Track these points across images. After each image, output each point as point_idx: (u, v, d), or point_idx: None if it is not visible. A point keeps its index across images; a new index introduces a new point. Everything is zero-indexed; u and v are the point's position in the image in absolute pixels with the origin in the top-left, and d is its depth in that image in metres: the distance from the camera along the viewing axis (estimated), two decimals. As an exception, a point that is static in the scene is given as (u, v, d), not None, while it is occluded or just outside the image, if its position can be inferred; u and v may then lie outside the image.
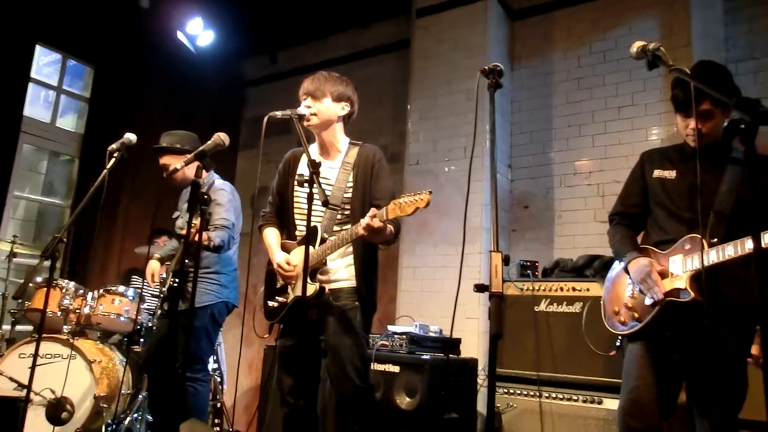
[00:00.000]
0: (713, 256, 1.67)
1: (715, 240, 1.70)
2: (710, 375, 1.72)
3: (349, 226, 2.07)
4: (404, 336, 2.98)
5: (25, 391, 2.65)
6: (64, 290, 3.22)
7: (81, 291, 3.31)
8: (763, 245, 1.55)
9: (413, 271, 3.95)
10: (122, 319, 3.29)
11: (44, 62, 4.61)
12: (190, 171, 2.73)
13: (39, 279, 3.29)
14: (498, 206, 1.45)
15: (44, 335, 2.81)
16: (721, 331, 1.71)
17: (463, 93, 3.97)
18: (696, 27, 3.42)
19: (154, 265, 2.80)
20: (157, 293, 3.63)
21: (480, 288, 1.43)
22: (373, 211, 1.87)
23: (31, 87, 4.26)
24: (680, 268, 1.74)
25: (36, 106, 4.56)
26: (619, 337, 1.90)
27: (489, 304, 3.41)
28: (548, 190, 3.87)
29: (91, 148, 4.48)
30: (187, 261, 2.35)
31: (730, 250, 1.63)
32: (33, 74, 4.33)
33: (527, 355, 2.84)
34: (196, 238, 2.28)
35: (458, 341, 3.19)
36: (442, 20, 4.17)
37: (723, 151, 1.83)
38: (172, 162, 2.62)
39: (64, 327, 3.19)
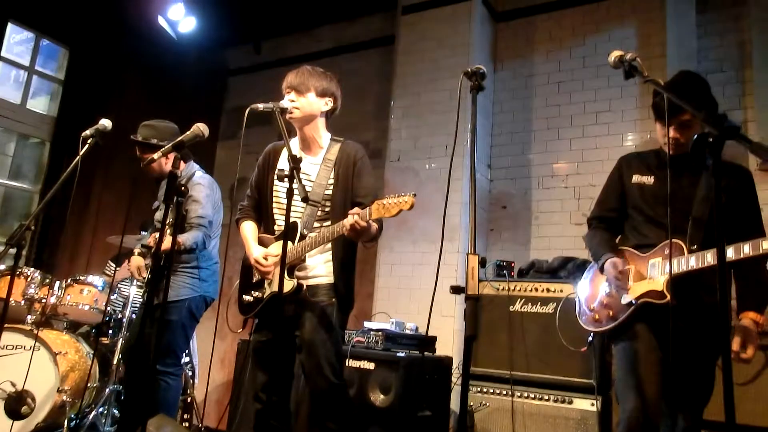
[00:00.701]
0: (692, 262, 1.69)
1: (695, 246, 1.73)
2: (687, 375, 1.77)
3: (329, 222, 2.06)
4: (380, 333, 2.99)
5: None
6: (29, 279, 3.12)
7: (47, 280, 3.20)
8: (733, 257, 1.60)
9: (390, 267, 3.95)
10: (91, 309, 3.20)
11: (15, 40, 4.44)
12: (169, 162, 2.72)
13: (2, 267, 3.16)
14: (476, 205, 1.46)
15: (6, 325, 2.71)
16: (696, 335, 1.76)
17: (446, 92, 3.98)
18: (671, 38, 3.52)
19: (138, 261, 2.73)
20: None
21: (456, 290, 1.44)
22: (356, 210, 1.86)
23: (0, 66, 4.10)
24: (659, 271, 1.77)
25: (5, 86, 4.39)
26: (591, 334, 1.94)
27: (465, 304, 3.45)
28: (526, 191, 3.92)
29: (64, 132, 4.34)
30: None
31: (709, 258, 1.66)
32: (3, 53, 4.16)
33: (501, 354, 2.87)
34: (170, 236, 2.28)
35: (434, 339, 3.21)
36: (427, 18, 4.18)
37: (699, 159, 1.86)
38: (149, 154, 2.55)
39: (28, 317, 3.08)
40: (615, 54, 1.60)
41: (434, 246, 3.78)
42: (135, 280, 3.23)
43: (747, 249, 1.59)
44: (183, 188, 1.73)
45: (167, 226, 2.43)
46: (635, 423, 1.70)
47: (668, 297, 1.71)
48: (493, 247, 3.93)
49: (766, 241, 1.57)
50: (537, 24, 4.13)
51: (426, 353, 3.03)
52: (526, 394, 2.81)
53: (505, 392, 2.86)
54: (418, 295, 3.76)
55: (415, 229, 3.79)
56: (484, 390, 2.93)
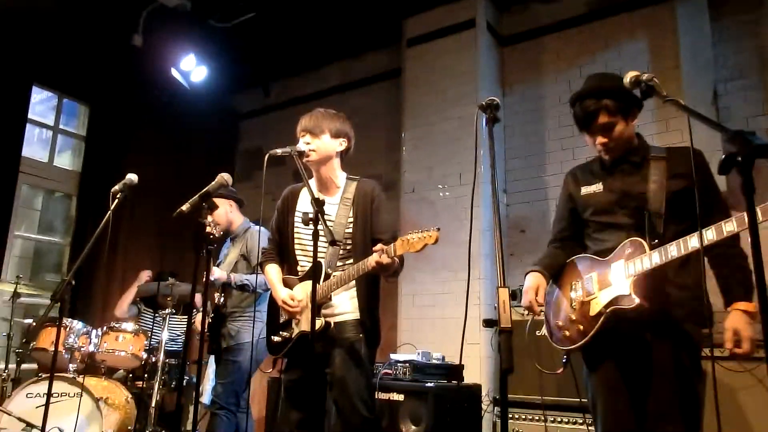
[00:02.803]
0: (656, 258, 1.61)
1: (656, 241, 1.65)
2: (658, 387, 1.66)
3: (351, 261, 2.10)
4: (407, 364, 2.99)
5: (34, 431, 2.67)
6: (68, 329, 3.24)
7: (85, 329, 3.33)
8: (697, 245, 1.52)
9: (412, 298, 3.96)
10: (127, 355, 3.31)
11: (36, 100, 4.66)
12: (233, 215, 3.13)
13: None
14: (493, 231, 1.48)
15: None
16: (669, 336, 1.67)
17: (456, 120, 4.05)
18: (684, 48, 3.50)
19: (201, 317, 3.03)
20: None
21: (489, 323, 1.45)
22: (380, 246, 1.90)
23: (27, 127, 4.30)
24: (622, 273, 1.69)
25: (32, 145, 4.60)
26: (564, 355, 1.85)
27: (493, 330, 3.39)
28: (544, 214, 3.92)
29: (89, 186, 4.51)
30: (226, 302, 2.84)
31: (673, 251, 1.58)
32: (29, 114, 4.37)
33: (530, 379, 2.83)
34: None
35: (461, 368, 3.19)
36: (433, 49, 4.27)
37: (641, 152, 1.82)
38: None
39: (70, 365, 3.19)
40: (631, 75, 1.59)
41: (454, 275, 3.78)
42: (167, 325, 3.40)
43: (710, 235, 1.51)
44: (212, 237, 1.80)
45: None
46: None
47: (638, 300, 1.62)
48: (514, 272, 3.89)
49: (728, 223, 1.48)
50: (544, 45, 4.17)
51: (454, 382, 3.01)
52: (559, 419, 2.76)
53: (537, 418, 2.81)
54: (441, 324, 3.74)
55: (435, 259, 3.81)
56: (516, 416, 2.89)
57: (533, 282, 1.88)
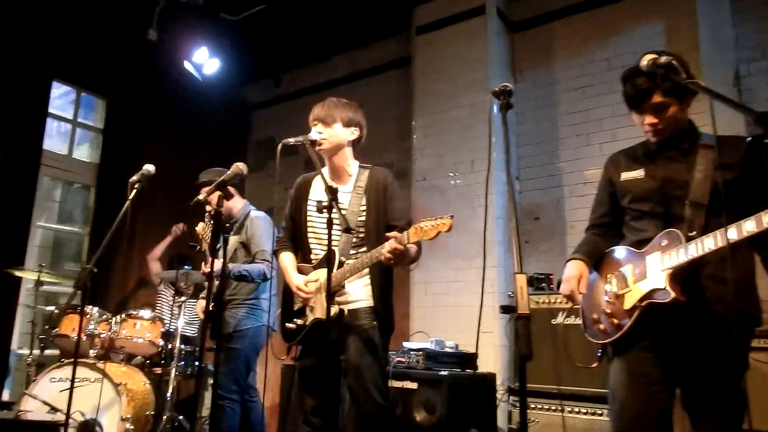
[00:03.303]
0: (692, 250, 1.54)
1: (694, 233, 1.58)
2: (703, 383, 1.61)
3: (364, 248, 2.11)
4: (421, 352, 3.00)
5: (58, 414, 2.76)
6: (89, 316, 3.32)
7: (105, 316, 3.40)
8: (736, 237, 1.44)
9: (425, 286, 3.97)
10: (145, 342, 3.38)
11: (55, 95, 4.75)
12: (232, 202, 3.01)
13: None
14: (508, 218, 1.47)
15: (72, 360, 2.88)
16: (709, 333, 1.59)
17: (467, 107, 4.02)
18: (703, 29, 3.38)
19: (203, 303, 2.96)
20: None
21: (506, 309, 1.45)
22: (394, 234, 1.90)
23: (47, 121, 4.38)
24: (658, 266, 1.61)
25: (52, 138, 4.69)
26: (600, 348, 1.79)
27: (506, 318, 3.39)
28: (558, 201, 3.88)
29: (107, 177, 4.60)
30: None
31: (709, 243, 1.51)
32: (49, 108, 4.45)
33: (546, 368, 2.81)
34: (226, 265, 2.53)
35: (475, 356, 3.19)
36: (442, 37, 4.24)
37: (690, 139, 1.73)
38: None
39: (90, 351, 3.28)
40: (648, 57, 1.54)
41: (467, 263, 3.78)
42: (183, 313, 3.46)
43: (750, 226, 1.43)
44: (238, 227, 1.83)
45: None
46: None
47: (673, 294, 1.56)
48: (528, 260, 3.89)
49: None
50: (555, 30, 4.10)
51: (468, 370, 3.02)
52: (576, 409, 2.73)
53: (554, 408, 2.80)
54: (454, 312, 3.75)
55: (447, 247, 3.80)
56: (532, 406, 2.87)
57: (575, 270, 1.80)
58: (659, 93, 1.66)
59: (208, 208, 2.66)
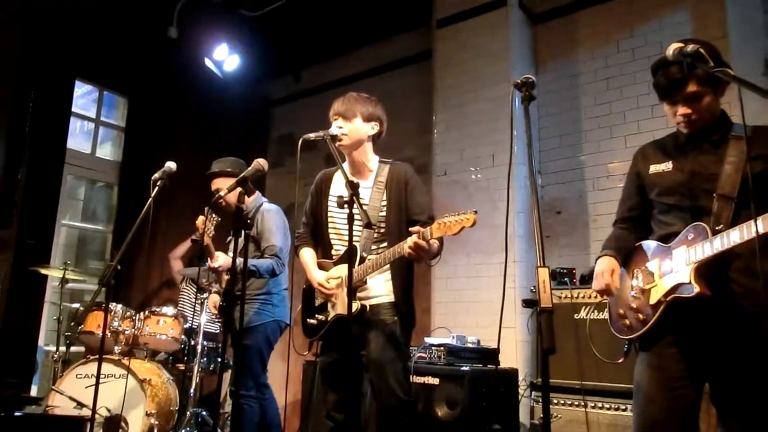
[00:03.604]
0: (717, 243, 1.51)
1: (720, 226, 1.55)
2: (732, 378, 1.58)
3: (385, 244, 2.10)
4: (442, 348, 2.98)
5: (84, 409, 2.81)
6: (113, 313, 3.36)
7: (128, 313, 3.45)
8: (761, 230, 1.40)
9: (446, 281, 3.94)
10: (168, 338, 3.42)
11: (78, 94, 4.83)
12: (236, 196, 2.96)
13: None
14: (529, 213, 1.45)
15: (97, 356, 2.93)
16: (737, 328, 1.56)
17: (488, 101, 3.96)
18: (732, 16, 3.28)
19: (215, 298, 3.03)
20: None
21: (528, 303, 1.43)
22: (416, 228, 1.89)
23: (71, 120, 4.47)
24: (683, 260, 1.58)
25: (75, 137, 4.78)
26: (627, 343, 1.77)
27: (528, 314, 3.35)
28: (581, 194, 3.81)
29: (129, 175, 4.67)
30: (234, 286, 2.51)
31: (735, 236, 1.47)
32: (72, 108, 4.54)
33: (569, 364, 2.78)
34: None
35: (497, 351, 3.16)
36: (464, 29, 4.18)
37: (721, 130, 1.68)
38: (223, 185, 2.75)
39: (115, 347, 3.33)
40: (674, 46, 1.49)
41: (488, 257, 3.74)
42: (205, 310, 3.46)
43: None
44: (249, 221, 1.83)
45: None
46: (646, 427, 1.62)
47: (698, 289, 1.53)
48: (550, 254, 3.82)
49: None
50: (578, 21, 4.02)
51: (490, 366, 2.99)
52: (600, 405, 2.70)
53: (577, 403, 2.77)
54: (475, 307, 3.72)
55: (468, 242, 3.77)
56: (554, 401, 2.84)
57: (608, 265, 1.78)
58: (694, 82, 1.61)
59: (228, 201, 2.62)
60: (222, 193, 2.02)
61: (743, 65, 3.19)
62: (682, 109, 1.65)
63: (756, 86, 1.38)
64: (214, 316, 3.62)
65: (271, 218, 2.88)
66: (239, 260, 2.69)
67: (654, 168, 1.78)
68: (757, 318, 1.53)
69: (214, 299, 2.99)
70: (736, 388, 1.58)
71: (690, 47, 1.49)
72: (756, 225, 1.42)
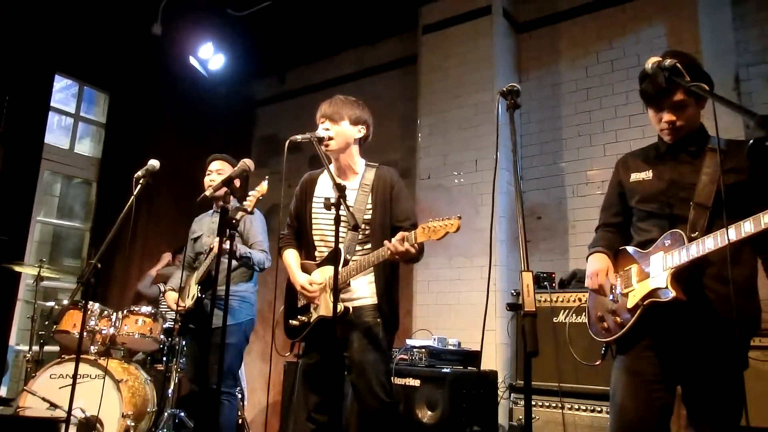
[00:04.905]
0: (693, 250, 1.57)
1: (696, 234, 1.61)
2: (703, 380, 1.63)
3: (369, 246, 2.12)
4: (423, 350, 3.01)
5: (57, 410, 2.74)
6: (90, 312, 3.30)
7: (106, 312, 3.39)
8: (734, 238, 1.47)
9: (428, 284, 3.98)
10: (146, 338, 3.37)
11: (56, 88, 4.74)
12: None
13: (65, 301, 3.38)
14: (510, 218, 1.48)
15: (73, 356, 2.87)
16: (710, 332, 1.61)
17: (472, 107, 4.02)
18: (705, 33, 3.43)
19: (173, 296, 2.97)
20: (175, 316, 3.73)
21: (512, 307, 1.46)
22: (401, 234, 1.90)
23: (49, 114, 4.37)
24: (660, 266, 1.64)
25: (52, 132, 4.68)
26: (604, 346, 1.80)
27: (508, 317, 3.40)
28: (561, 201, 3.90)
29: (109, 172, 4.59)
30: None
31: (710, 243, 1.53)
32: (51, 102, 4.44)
33: (548, 366, 2.84)
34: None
35: (478, 354, 3.21)
36: (449, 36, 4.24)
37: (699, 141, 1.75)
38: (224, 168, 2.88)
39: (91, 347, 3.27)
40: (652, 61, 1.55)
41: (469, 261, 3.79)
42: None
43: (748, 227, 1.45)
44: (234, 221, 1.83)
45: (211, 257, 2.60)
46: (621, 428, 1.67)
47: (674, 293, 1.58)
48: (531, 259, 3.83)
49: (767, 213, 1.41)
50: (560, 31, 4.12)
51: (470, 368, 3.03)
52: (576, 406, 2.76)
53: (554, 405, 2.82)
54: (457, 310, 3.76)
55: (450, 245, 3.81)
56: (533, 403, 2.90)
57: (602, 264, 1.81)
58: (681, 91, 1.67)
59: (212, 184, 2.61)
60: (207, 193, 2.02)
61: (715, 80, 3.28)
62: (667, 116, 1.71)
63: (729, 101, 1.44)
64: (169, 312, 3.56)
65: (256, 219, 2.95)
66: (239, 246, 2.70)
67: (635, 176, 1.84)
68: (730, 324, 1.59)
69: (174, 296, 2.94)
70: (707, 391, 1.63)
71: (668, 61, 1.55)
72: (727, 233, 1.48)
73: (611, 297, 1.78)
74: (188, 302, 2.86)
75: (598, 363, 1.84)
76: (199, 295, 2.75)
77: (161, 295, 4.03)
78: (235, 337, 2.80)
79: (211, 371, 2.62)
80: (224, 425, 2.69)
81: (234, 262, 2.80)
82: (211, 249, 2.76)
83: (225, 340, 2.62)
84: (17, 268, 3.63)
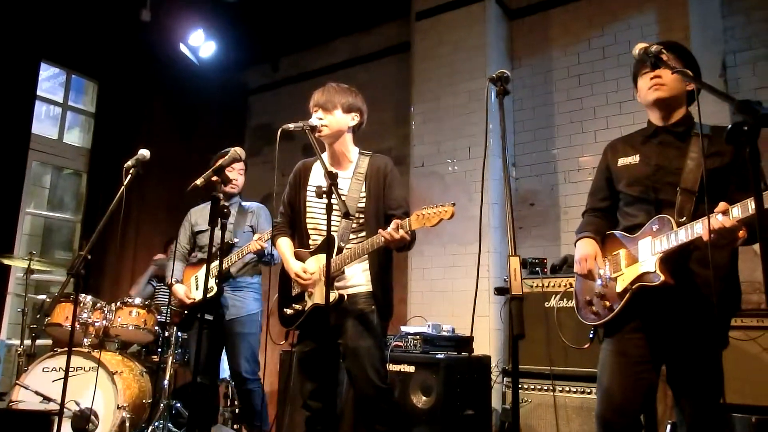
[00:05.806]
0: (681, 235, 1.59)
1: (684, 219, 1.63)
2: (686, 360, 1.67)
3: (363, 234, 2.12)
4: (418, 336, 3.03)
5: (51, 404, 2.74)
6: (82, 304, 3.27)
7: (99, 304, 3.36)
8: (732, 219, 1.48)
9: (422, 272, 4.00)
10: (141, 330, 3.36)
11: (44, 77, 4.67)
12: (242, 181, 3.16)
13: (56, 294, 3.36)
14: (503, 204, 1.49)
15: (65, 349, 2.86)
16: (694, 313, 1.65)
17: (465, 94, 4.02)
18: (694, 20, 3.46)
19: (183, 288, 3.04)
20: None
21: (500, 291, 1.47)
22: (396, 222, 1.91)
23: (36, 104, 4.30)
24: (649, 250, 1.66)
25: (41, 122, 4.61)
26: (592, 329, 1.83)
27: (501, 302, 3.44)
28: (553, 187, 3.92)
29: (99, 163, 4.54)
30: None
31: (698, 228, 1.55)
32: (38, 91, 4.37)
33: (539, 350, 2.88)
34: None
35: (471, 339, 3.24)
36: (442, 22, 4.22)
37: (685, 126, 1.77)
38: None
39: (84, 340, 3.24)
40: (639, 47, 1.57)
41: (463, 248, 3.81)
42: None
43: (736, 212, 1.48)
44: (226, 210, 1.83)
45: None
46: (601, 427, 1.72)
47: (663, 277, 1.61)
48: (522, 245, 3.93)
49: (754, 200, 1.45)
50: (552, 18, 4.12)
51: (464, 353, 3.06)
52: (567, 389, 2.81)
53: (546, 388, 2.87)
54: (451, 297, 3.79)
55: (444, 233, 3.83)
56: (525, 386, 2.94)
57: (590, 249, 1.83)
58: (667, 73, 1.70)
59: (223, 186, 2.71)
60: (198, 182, 2.01)
61: (702, 66, 3.32)
62: (654, 73, 1.73)
63: (710, 86, 1.46)
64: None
65: (262, 212, 3.16)
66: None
67: (622, 161, 1.85)
68: (712, 305, 1.62)
69: (183, 289, 2.99)
70: (690, 370, 1.68)
71: (654, 47, 1.58)
72: (708, 220, 1.50)
73: (600, 282, 1.80)
74: (197, 295, 2.91)
75: (586, 346, 1.90)
76: (216, 287, 2.87)
77: (167, 286, 4.00)
78: (254, 327, 3.05)
79: (241, 360, 2.91)
80: (257, 410, 2.97)
81: (252, 256, 2.96)
82: (232, 244, 2.93)
83: (256, 331, 3.00)
84: (6, 261, 3.60)
